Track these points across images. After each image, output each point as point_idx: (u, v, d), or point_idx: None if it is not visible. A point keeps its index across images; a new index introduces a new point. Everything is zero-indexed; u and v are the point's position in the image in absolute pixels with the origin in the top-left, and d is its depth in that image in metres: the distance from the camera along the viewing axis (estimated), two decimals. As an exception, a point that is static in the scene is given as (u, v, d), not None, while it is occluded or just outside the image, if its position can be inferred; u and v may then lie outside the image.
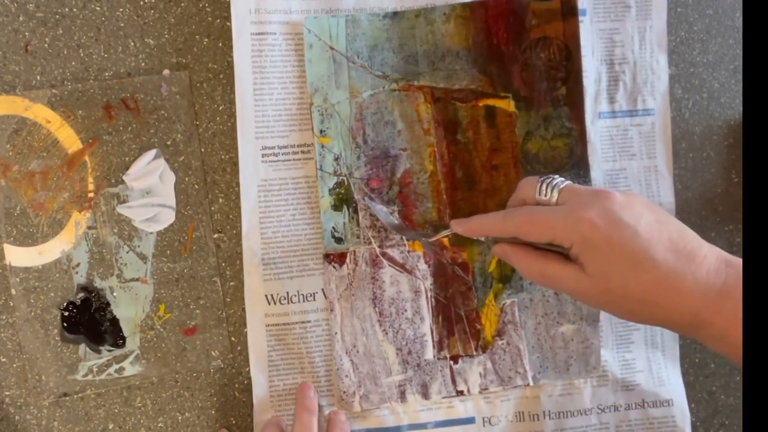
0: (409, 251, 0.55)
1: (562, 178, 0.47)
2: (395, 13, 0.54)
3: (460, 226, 0.51)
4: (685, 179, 0.59)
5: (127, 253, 0.53)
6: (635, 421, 0.58)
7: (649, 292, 0.43)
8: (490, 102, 0.54)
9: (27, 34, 0.52)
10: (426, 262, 0.55)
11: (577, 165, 0.55)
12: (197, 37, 0.54)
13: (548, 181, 0.47)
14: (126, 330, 0.54)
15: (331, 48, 0.53)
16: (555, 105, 0.55)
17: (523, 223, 0.46)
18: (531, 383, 0.56)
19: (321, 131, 0.53)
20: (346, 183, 0.54)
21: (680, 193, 0.58)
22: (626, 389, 0.57)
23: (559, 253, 0.46)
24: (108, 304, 0.53)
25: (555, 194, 0.46)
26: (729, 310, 0.42)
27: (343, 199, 0.54)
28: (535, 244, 0.47)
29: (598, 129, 0.57)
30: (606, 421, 0.57)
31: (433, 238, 0.53)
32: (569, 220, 0.44)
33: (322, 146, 0.53)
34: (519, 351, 0.56)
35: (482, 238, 0.50)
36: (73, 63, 0.52)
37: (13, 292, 0.52)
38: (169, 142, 0.53)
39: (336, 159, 0.54)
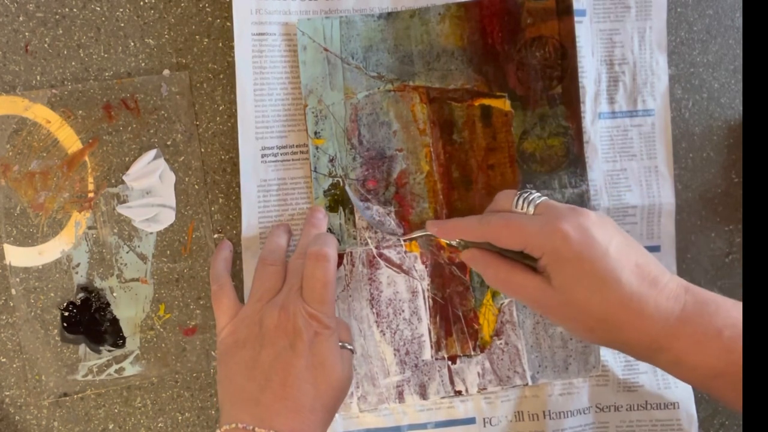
0: (406, 252, 0.55)
1: (539, 194, 0.48)
2: (390, 14, 0.54)
3: (435, 227, 0.51)
4: (685, 179, 0.59)
5: (127, 253, 0.53)
6: (637, 421, 0.57)
7: (611, 312, 0.43)
8: (486, 101, 0.54)
9: (27, 34, 0.52)
10: (423, 263, 0.55)
11: (573, 164, 0.55)
12: (197, 37, 0.54)
13: (525, 195, 0.48)
14: (126, 330, 0.54)
15: (325, 49, 0.53)
16: (551, 104, 0.55)
17: (498, 227, 0.46)
18: (530, 383, 0.56)
19: (315, 133, 0.53)
20: (341, 184, 0.54)
21: (680, 193, 0.58)
22: (628, 390, 0.57)
23: (527, 265, 0.47)
24: (108, 304, 0.53)
25: (531, 209, 0.47)
26: (686, 336, 0.42)
27: (338, 201, 0.54)
28: (505, 253, 0.47)
29: (598, 129, 0.57)
30: (605, 421, 0.57)
31: (407, 237, 0.54)
32: (544, 230, 0.44)
33: (317, 148, 0.53)
34: (517, 351, 0.56)
35: (454, 242, 0.50)
36: (73, 63, 0.52)
37: (13, 292, 0.52)
38: (169, 142, 0.53)
39: (331, 160, 0.54)
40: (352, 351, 0.48)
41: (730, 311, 0.43)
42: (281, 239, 0.52)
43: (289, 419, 0.43)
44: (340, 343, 0.47)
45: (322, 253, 0.47)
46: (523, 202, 0.47)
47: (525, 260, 0.46)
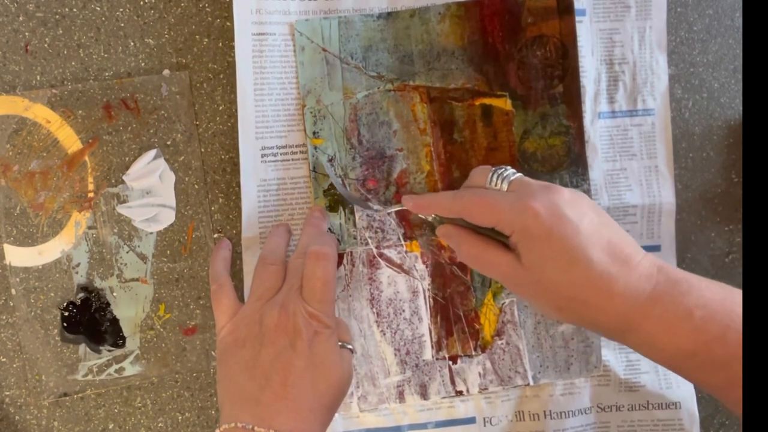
0: (406, 251, 0.55)
1: (514, 170, 0.48)
2: (389, 14, 0.54)
3: (410, 202, 0.51)
4: (685, 179, 0.59)
5: (127, 253, 0.53)
6: (638, 421, 0.57)
7: (579, 291, 0.43)
8: (487, 101, 0.54)
9: (27, 34, 0.52)
10: (424, 262, 0.55)
11: (575, 163, 0.55)
12: (197, 37, 0.54)
13: (500, 171, 0.48)
14: (126, 330, 0.54)
15: (324, 50, 0.53)
16: (552, 103, 0.55)
17: (471, 203, 0.47)
18: (531, 383, 0.56)
19: (314, 133, 0.53)
20: (341, 184, 0.54)
21: (680, 193, 0.58)
22: (630, 390, 0.57)
23: (500, 241, 0.47)
24: (108, 304, 0.53)
25: (505, 185, 0.47)
26: (656, 316, 0.42)
27: (338, 201, 0.54)
28: (479, 229, 0.47)
29: (597, 129, 0.57)
30: (606, 420, 0.57)
31: (383, 211, 0.53)
32: (515, 207, 0.44)
33: (315, 148, 0.53)
34: (519, 351, 0.56)
35: (429, 217, 0.50)
36: (73, 63, 0.52)
37: (13, 292, 0.52)
38: (169, 142, 0.53)
39: (330, 160, 0.54)
40: (351, 351, 0.48)
41: (703, 291, 0.42)
42: (281, 239, 0.52)
43: (289, 419, 0.43)
44: (339, 343, 0.47)
45: (322, 253, 0.47)
46: (497, 179, 0.47)
47: (498, 237, 0.46)
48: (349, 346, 0.48)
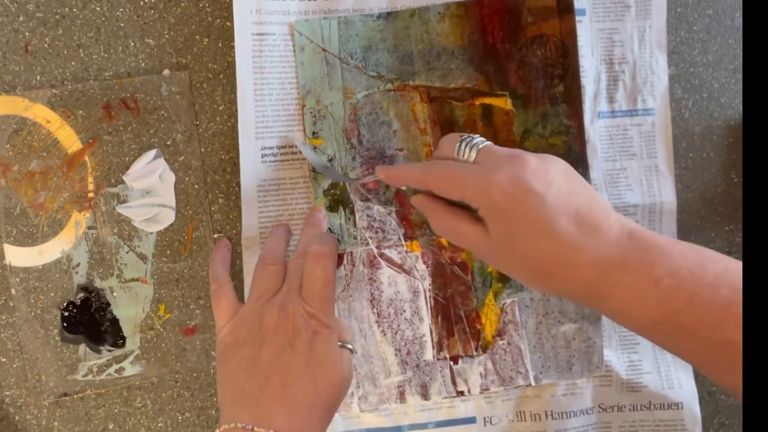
0: (407, 251, 0.55)
1: (483, 138, 0.46)
2: (389, 14, 0.54)
3: (383, 173, 0.50)
4: (685, 179, 0.59)
5: (127, 253, 0.53)
6: (640, 422, 0.57)
7: (545, 262, 0.43)
8: (487, 100, 0.54)
9: (27, 34, 0.52)
10: (424, 263, 0.55)
11: (575, 162, 0.55)
12: (197, 37, 0.54)
13: (468, 140, 0.46)
14: (126, 330, 0.54)
15: (324, 50, 0.53)
16: (552, 102, 0.55)
17: (438, 178, 0.46)
18: (533, 383, 0.56)
19: (313, 133, 0.53)
20: (341, 184, 0.54)
21: (680, 193, 0.58)
22: (632, 390, 0.57)
23: (470, 212, 0.46)
24: (108, 304, 0.53)
25: (473, 154, 0.46)
26: (625, 284, 0.41)
27: (338, 200, 0.54)
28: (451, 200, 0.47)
29: (597, 129, 0.57)
30: (607, 421, 0.57)
31: (360, 181, 0.53)
32: (480, 181, 0.43)
33: (315, 148, 0.53)
34: (520, 351, 0.56)
35: (403, 188, 0.50)
36: (73, 63, 0.52)
37: (13, 292, 0.52)
38: (169, 142, 0.53)
39: (330, 160, 0.54)
40: (352, 351, 0.48)
41: (674, 258, 0.42)
42: (281, 239, 0.52)
43: (289, 419, 0.43)
44: (339, 343, 0.46)
45: (321, 252, 0.47)
46: (465, 147, 0.46)
47: (469, 208, 0.46)
48: (349, 346, 0.48)
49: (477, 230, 0.45)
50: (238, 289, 0.54)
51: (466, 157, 0.46)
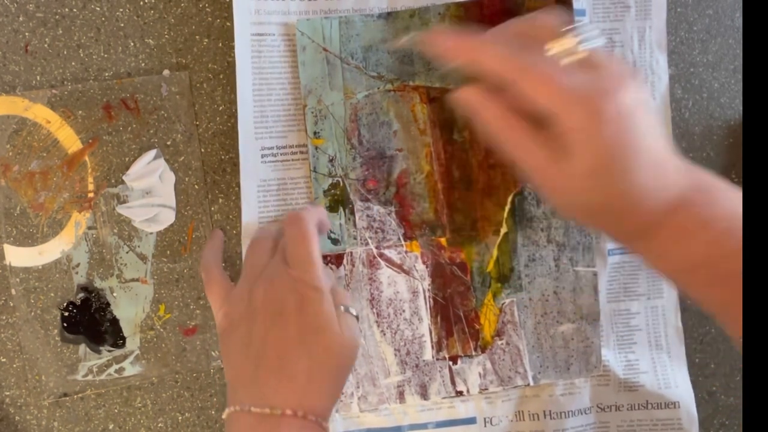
0: (406, 252, 0.55)
1: (598, 32, 0.39)
2: (389, 14, 0.54)
3: (444, 40, 0.42)
4: (685, 179, 0.59)
5: (127, 253, 0.53)
6: (638, 421, 0.57)
7: (614, 201, 0.39)
8: (487, 101, 0.54)
9: (27, 34, 0.52)
10: (424, 263, 0.55)
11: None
12: (197, 37, 0.54)
13: (580, 34, 0.39)
14: (126, 330, 0.54)
15: (325, 50, 0.53)
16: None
17: (530, 72, 0.39)
18: (531, 383, 0.56)
19: (315, 133, 0.53)
20: (341, 184, 0.54)
21: (680, 193, 0.58)
22: (629, 390, 0.57)
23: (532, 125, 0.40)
24: (108, 305, 0.53)
25: (580, 54, 0.39)
26: (678, 223, 0.40)
27: (338, 201, 0.54)
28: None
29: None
30: (606, 420, 0.57)
31: (398, 45, 0.51)
32: (587, 103, 0.38)
33: (316, 148, 0.53)
34: (519, 351, 0.56)
35: (445, 69, 0.44)
36: (73, 63, 0.52)
37: (13, 292, 0.52)
38: (169, 142, 0.53)
39: (330, 160, 0.54)
40: (355, 316, 0.44)
41: (734, 203, 0.39)
42: (273, 225, 0.51)
43: (286, 393, 0.41)
44: (341, 307, 0.44)
45: (298, 215, 0.45)
46: (574, 41, 0.39)
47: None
48: (352, 311, 0.44)
49: (545, 150, 0.40)
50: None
51: (568, 52, 0.39)
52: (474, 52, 0.41)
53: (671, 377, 0.58)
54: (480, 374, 0.56)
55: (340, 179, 0.54)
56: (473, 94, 0.42)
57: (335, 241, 0.54)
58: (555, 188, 0.41)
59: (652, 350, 0.58)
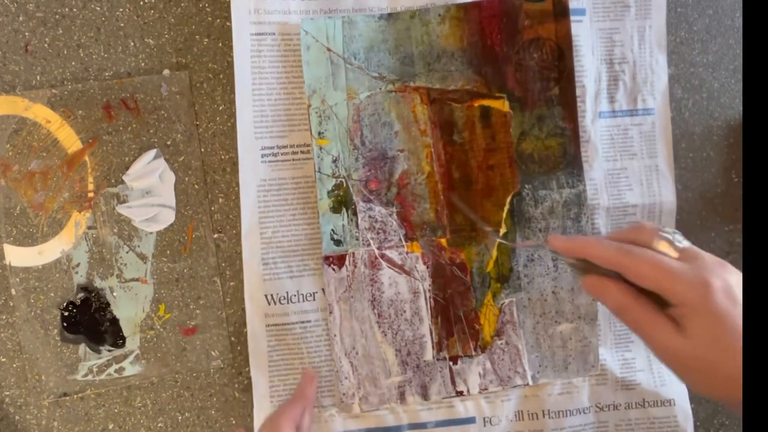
0: (407, 252, 0.55)
1: (682, 236, 0.45)
2: (390, 15, 0.54)
3: (559, 242, 0.47)
4: (685, 179, 0.59)
5: (127, 253, 0.53)
6: (635, 420, 0.58)
7: (736, 370, 0.41)
8: (485, 102, 0.54)
9: (27, 34, 0.52)
10: (424, 263, 0.55)
11: (570, 164, 0.55)
12: (197, 37, 0.54)
13: (669, 236, 0.44)
14: (126, 330, 0.54)
15: (329, 50, 0.53)
16: (548, 105, 0.55)
17: (642, 262, 0.43)
18: (530, 383, 0.56)
19: (319, 133, 0.53)
20: (344, 185, 0.54)
21: (680, 193, 0.58)
22: (626, 388, 0.57)
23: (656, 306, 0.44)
24: (108, 304, 0.53)
25: (674, 253, 0.44)
26: None
27: (341, 201, 0.54)
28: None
29: (598, 128, 0.57)
30: (605, 420, 0.57)
31: (523, 245, 0.54)
32: (694, 281, 0.42)
33: (321, 148, 0.53)
34: (518, 351, 0.56)
35: (568, 261, 0.47)
36: (73, 63, 0.52)
37: (13, 292, 0.52)
38: (169, 142, 0.53)
39: (334, 161, 0.54)
40: None
41: None
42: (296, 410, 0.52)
43: None
44: None
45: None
46: (667, 243, 0.44)
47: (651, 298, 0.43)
48: None
49: (669, 328, 0.43)
50: (237, 289, 0.54)
51: (666, 251, 0.44)
52: (587, 248, 0.46)
53: (666, 375, 0.58)
54: (480, 374, 0.56)
55: (343, 180, 0.54)
56: (593, 281, 0.46)
57: (338, 242, 0.54)
58: (679, 358, 0.43)
59: (648, 348, 0.58)
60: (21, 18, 0.51)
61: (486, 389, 0.56)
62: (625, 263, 0.44)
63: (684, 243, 0.44)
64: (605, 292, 0.46)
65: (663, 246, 0.44)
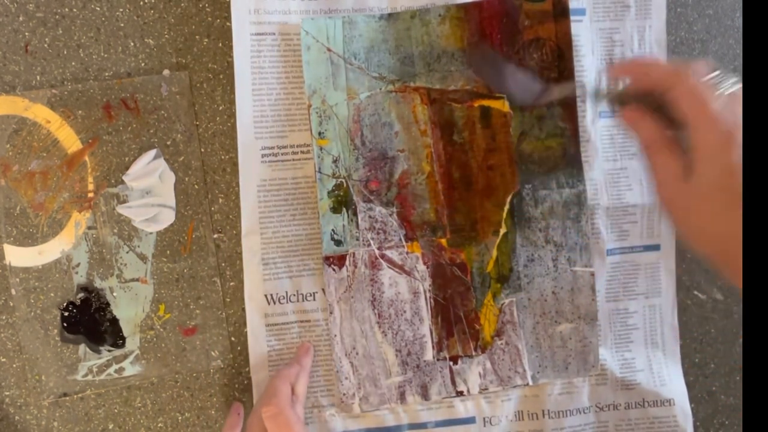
0: (407, 252, 0.55)
1: (736, 80, 0.43)
2: (390, 15, 0.54)
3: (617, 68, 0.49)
4: (685, 179, 0.59)
5: (127, 253, 0.53)
6: (635, 420, 0.58)
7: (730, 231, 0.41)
8: (485, 102, 0.54)
9: (27, 34, 0.52)
10: (425, 263, 0.55)
11: (570, 164, 0.55)
12: (197, 37, 0.54)
13: (722, 79, 0.43)
14: (126, 330, 0.54)
15: (329, 50, 0.53)
16: (548, 105, 0.55)
17: (691, 87, 0.42)
18: (530, 383, 0.56)
19: (319, 133, 0.53)
20: (345, 185, 0.54)
21: (680, 193, 0.58)
22: (626, 388, 0.58)
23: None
24: (108, 304, 0.53)
25: (723, 96, 0.42)
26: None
27: (342, 202, 0.54)
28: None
29: (598, 128, 0.57)
30: (605, 420, 0.57)
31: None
32: (723, 128, 0.41)
33: (321, 148, 0.53)
34: (518, 351, 0.56)
35: (604, 93, 0.48)
36: (73, 63, 0.52)
37: (13, 292, 0.52)
38: (169, 142, 0.53)
39: (335, 161, 0.54)
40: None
41: None
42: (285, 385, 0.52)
43: None
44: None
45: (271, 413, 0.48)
46: (719, 83, 0.43)
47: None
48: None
49: (680, 166, 0.42)
50: (238, 289, 0.54)
51: (721, 84, 0.43)
52: (643, 67, 0.46)
53: (666, 374, 0.58)
54: (480, 374, 0.56)
55: (344, 180, 0.54)
56: (632, 112, 0.46)
57: (338, 243, 0.54)
58: (676, 206, 0.43)
59: (648, 348, 0.58)
60: (21, 18, 0.51)
61: (486, 389, 0.56)
62: (674, 84, 0.43)
63: (732, 89, 0.43)
64: (641, 124, 0.45)
65: (716, 83, 0.42)
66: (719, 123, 0.41)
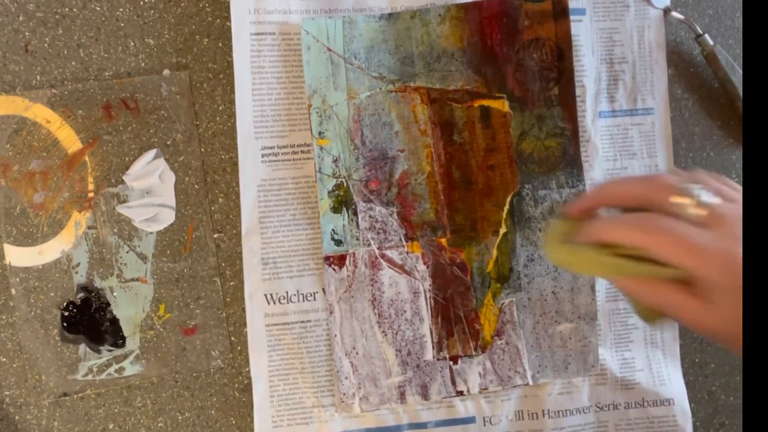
0: (408, 252, 0.55)
1: (708, 192, 0.41)
2: (390, 15, 0.54)
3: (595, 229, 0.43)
4: (685, 179, 0.59)
5: (127, 253, 0.53)
6: (635, 419, 0.58)
7: None
8: (485, 102, 0.54)
9: (27, 34, 0.52)
10: (425, 263, 0.55)
11: (570, 164, 0.55)
12: (197, 37, 0.54)
13: (695, 193, 0.41)
14: (126, 330, 0.54)
15: (329, 49, 0.53)
16: (548, 105, 0.55)
17: (661, 237, 0.40)
18: (530, 382, 0.56)
19: (320, 133, 0.53)
20: (345, 185, 0.54)
21: (680, 193, 0.58)
22: (626, 388, 0.57)
23: (675, 280, 0.41)
24: (108, 304, 0.53)
25: (696, 211, 0.40)
26: None
27: (342, 201, 0.54)
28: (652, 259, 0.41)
29: (598, 128, 0.57)
30: (605, 420, 0.57)
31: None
32: (720, 256, 0.39)
33: (321, 148, 0.53)
34: (518, 350, 0.56)
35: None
36: (73, 63, 0.52)
37: (13, 292, 0.52)
38: (169, 142, 0.53)
39: (335, 161, 0.54)
40: None
41: None
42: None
43: None
44: None
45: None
46: (689, 200, 0.40)
47: (667, 272, 0.41)
48: None
49: (696, 303, 0.40)
50: (238, 288, 0.54)
51: (684, 207, 0.41)
52: (605, 233, 0.43)
53: (665, 374, 0.58)
54: (480, 374, 0.56)
55: (344, 180, 0.54)
56: (627, 281, 0.43)
57: (338, 243, 0.54)
58: (708, 328, 0.41)
59: (647, 348, 0.58)
60: (21, 18, 0.51)
61: (486, 389, 0.56)
62: (648, 244, 0.40)
63: (711, 200, 0.40)
64: (639, 289, 0.43)
65: (682, 201, 0.40)
66: (713, 256, 0.39)
